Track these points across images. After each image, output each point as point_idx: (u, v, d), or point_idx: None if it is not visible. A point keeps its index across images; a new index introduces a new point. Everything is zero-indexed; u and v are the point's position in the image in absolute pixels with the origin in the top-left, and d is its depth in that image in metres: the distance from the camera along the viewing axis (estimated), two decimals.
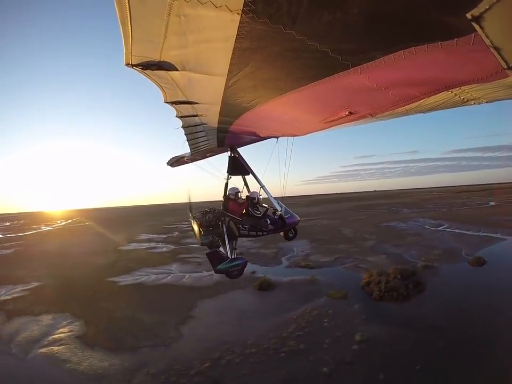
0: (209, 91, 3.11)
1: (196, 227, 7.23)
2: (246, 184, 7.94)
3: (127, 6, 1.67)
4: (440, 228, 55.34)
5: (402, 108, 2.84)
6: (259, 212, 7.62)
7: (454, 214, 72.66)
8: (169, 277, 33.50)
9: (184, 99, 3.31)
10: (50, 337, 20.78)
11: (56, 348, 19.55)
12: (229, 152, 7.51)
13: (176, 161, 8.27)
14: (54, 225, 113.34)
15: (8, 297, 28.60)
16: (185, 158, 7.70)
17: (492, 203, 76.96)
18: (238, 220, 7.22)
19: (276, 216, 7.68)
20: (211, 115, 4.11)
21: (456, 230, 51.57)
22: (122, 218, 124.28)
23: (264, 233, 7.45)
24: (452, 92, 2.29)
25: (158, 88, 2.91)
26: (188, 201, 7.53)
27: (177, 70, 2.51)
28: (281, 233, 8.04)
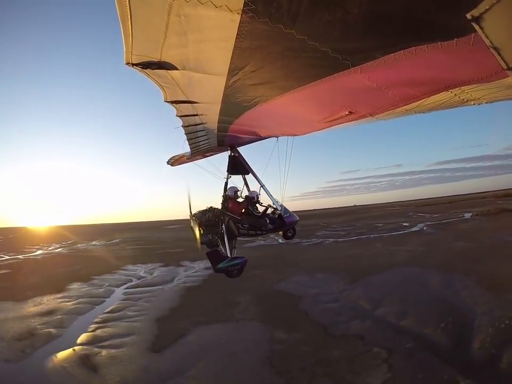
0: (210, 90, 3.11)
1: (195, 226, 7.24)
2: (246, 183, 7.96)
3: (128, 5, 1.67)
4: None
5: (402, 108, 2.85)
6: (258, 211, 7.65)
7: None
8: None
9: (184, 98, 3.31)
10: None
11: None
12: (229, 151, 7.53)
13: (176, 160, 8.29)
14: None
15: None
16: (185, 157, 7.73)
17: (422, 226, 50.62)
18: (238, 219, 7.23)
19: (275, 216, 7.71)
20: (211, 114, 4.11)
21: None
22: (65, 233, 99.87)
23: (264, 232, 7.48)
24: (451, 92, 2.29)
25: (158, 87, 2.91)
26: (188, 199, 7.55)
27: (177, 69, 2.51)
28: (280, 233, 8.06)
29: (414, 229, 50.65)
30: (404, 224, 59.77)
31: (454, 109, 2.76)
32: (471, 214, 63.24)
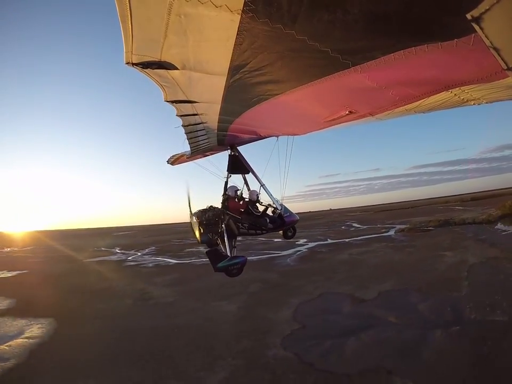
0: (210, 90, 3.11)
1: (195, 225, 7.24)
2: (246, 182, 7.97)
3: (128, 5, 1.66)
4: None
5: (402, 108, 2.85)
6: (258, 211, 7.65)
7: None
8: None
9: (184, 98, 3.30)
10: None
11: None
12: (229, 150, 7.53)
13: (176, 160, 8.30)
14: None
15: None
16: (185, 156, 7.74)
17: (308, 247, 39.32)
18: (238, 218, 7.23)
19: (275, 215, 7.72)
20: (211, 114, 4.11)
21: None
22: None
23: (264, 231, 7.48)
24: (451, 92, 2.29)
25: (158, 87, 2.90)
26: (188, 198, 7.56)
27: (177, 69, 2.51)
28: (280, 232, 8.07)
29: (286, 252, 36.24)
30: (297, 242, 43.57)
31: (453, 109, 2.76)
32: (399, 228, 49.54)
